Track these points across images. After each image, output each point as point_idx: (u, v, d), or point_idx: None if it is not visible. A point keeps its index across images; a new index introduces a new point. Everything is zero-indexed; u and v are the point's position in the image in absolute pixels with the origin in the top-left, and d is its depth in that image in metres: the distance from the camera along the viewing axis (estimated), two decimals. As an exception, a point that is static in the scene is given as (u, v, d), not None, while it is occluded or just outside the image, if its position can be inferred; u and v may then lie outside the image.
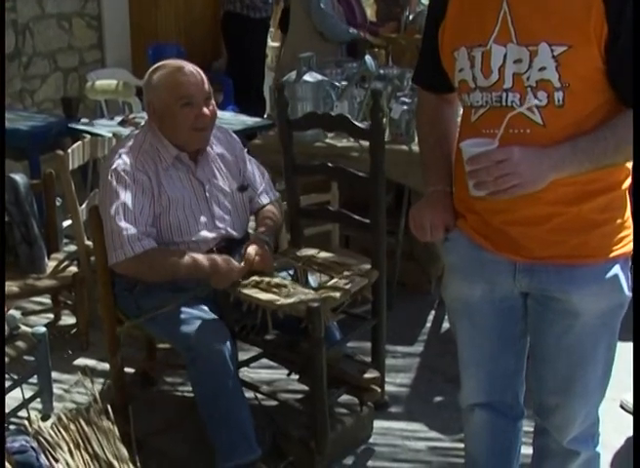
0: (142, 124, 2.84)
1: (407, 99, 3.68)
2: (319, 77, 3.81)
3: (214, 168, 2.78)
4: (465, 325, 2.02)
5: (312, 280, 2.77)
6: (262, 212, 2.88)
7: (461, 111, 1.90)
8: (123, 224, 2.53)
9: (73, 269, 3.47)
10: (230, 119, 4.72)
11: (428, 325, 3.72)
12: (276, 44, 7.11)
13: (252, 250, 2.62)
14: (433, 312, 3.81)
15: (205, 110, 2.64)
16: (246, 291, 2.54)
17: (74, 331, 3.59)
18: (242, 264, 2.59)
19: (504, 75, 1.71)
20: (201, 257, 2.58)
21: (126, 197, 2.56)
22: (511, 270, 1.86)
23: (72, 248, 3.79)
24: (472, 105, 1.78)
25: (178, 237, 2.65)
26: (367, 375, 2.66)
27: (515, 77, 1.70)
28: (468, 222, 1.90)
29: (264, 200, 2.91)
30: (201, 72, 2.69)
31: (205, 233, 2.69)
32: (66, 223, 3.85)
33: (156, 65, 2.71)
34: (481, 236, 1.87)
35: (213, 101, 2.69)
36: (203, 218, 2.70)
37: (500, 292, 1.92)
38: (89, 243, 3.20)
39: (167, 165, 2.67)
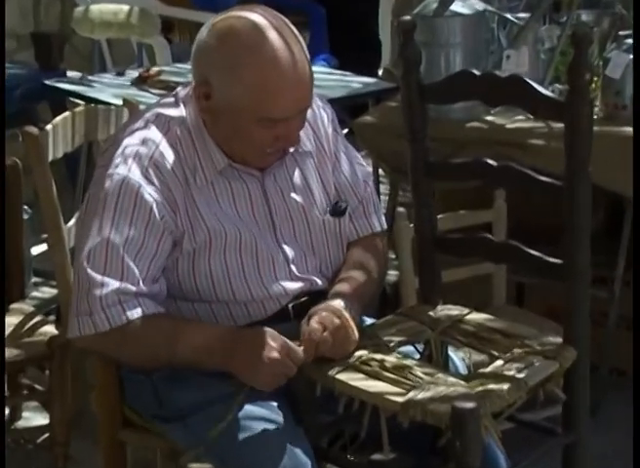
0: (177, 93, 2.83)
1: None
2: (479, 6, 3.86)
3: (290, 178, 2.82)
4: None
5: (458, 361, 2.82)
6: (354, 252, 2.91)
7: None
8: (99, 277, 2.57)
9: (49, 330, 3.54)
10: (323, 78, 4.75)
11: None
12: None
13: (315, 324, 2.61)
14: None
15: (291, 128, 2.66)
16: (343, 376, 2.56)
17: (44, 437, 3.69)
18: (301, 347, 2.60)
19: None
20: (226, 334, 2.63)
21: (117, 228, 2.60)
22: None
23: (48, 291, 3.87)
24: None
25: (224, 294, 2.70)
26: None
27: None
28: None
29: (363, 229, 2.95)
30: (308, 68, 2.66)
31: (273, 287, 2.74)
32: (38, 249, 3.95)
33: (244, 14, 2.64)
34: None
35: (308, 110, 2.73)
36: (269, 261, 2.74)
37: None
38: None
39: (208, 177, 2.70)
